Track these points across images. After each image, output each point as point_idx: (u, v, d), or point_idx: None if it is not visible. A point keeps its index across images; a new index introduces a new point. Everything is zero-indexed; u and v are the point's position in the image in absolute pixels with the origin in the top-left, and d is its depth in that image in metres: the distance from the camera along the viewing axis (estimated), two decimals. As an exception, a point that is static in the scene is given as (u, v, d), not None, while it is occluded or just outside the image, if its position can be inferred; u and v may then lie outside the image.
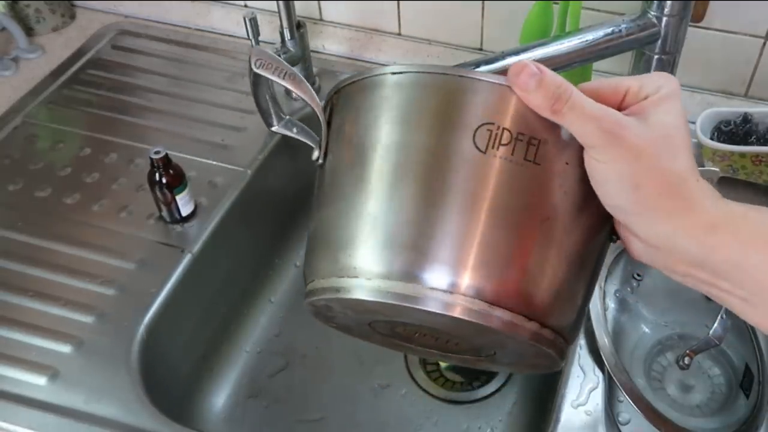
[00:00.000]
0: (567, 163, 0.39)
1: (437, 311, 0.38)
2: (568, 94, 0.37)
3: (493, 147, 0.39)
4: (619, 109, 0.40)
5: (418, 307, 0.38)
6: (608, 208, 0.40)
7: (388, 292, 0.38)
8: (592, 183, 0.39)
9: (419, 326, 0.44)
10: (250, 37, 0.91)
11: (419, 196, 0.39)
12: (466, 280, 0.38)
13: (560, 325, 0.41)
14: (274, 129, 0.50)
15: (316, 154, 0.45)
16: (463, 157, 0.39)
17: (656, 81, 0.40)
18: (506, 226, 0.38)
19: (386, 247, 0.39)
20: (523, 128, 0.39)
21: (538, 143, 0.39)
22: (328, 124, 0.45)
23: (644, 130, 0.38)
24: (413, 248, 0.38)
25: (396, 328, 0.46)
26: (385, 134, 0.41)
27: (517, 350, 0.43)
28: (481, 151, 0.39)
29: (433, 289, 0.38)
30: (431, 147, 0.39)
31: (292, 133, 0.49)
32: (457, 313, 0.38)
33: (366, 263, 0.39)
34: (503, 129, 0.39)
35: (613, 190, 0.38)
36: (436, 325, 0.41)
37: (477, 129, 0.39)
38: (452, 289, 0.38)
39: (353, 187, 0.41)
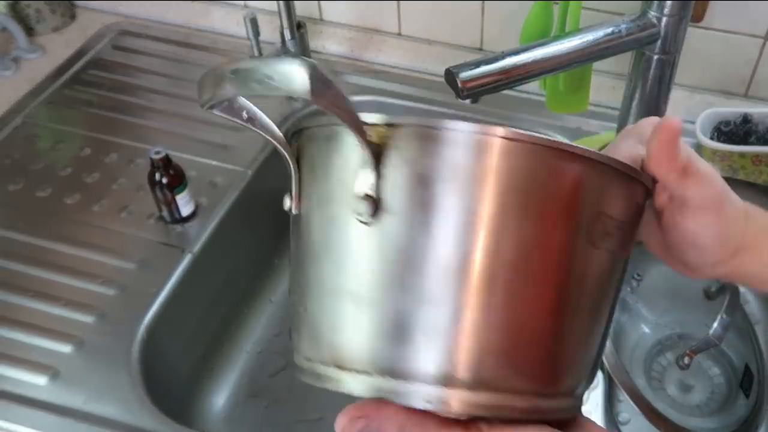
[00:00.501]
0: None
1: (433, 409, 0.33)
2: (688, 153, 0.37)
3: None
4: None
5: (411, 405, 0.33)
6: (676, 262, 0.42)
7: (380, 389, 0.34)
8: (674, 242, 0.40)
9: None
10: (250, 37, 0.91)
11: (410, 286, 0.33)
12: (467, 371, 0.33)
13: (576, 386, 0.37)
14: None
15: (287, 203, 0.39)
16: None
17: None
18: (510, 306, 0.33)
19: (377, 339, 0.34)
20: None
21: None
22: (298, 163, 0.38)
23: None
24: (408, 340, 0.33)
25: None
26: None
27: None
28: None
29: (432, 385, 0.33)
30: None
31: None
32: (455, 410, 0.33)
33: (353, 355, 0.34)
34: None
35: (700, 250, 0.39)
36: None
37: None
38: (449, 384, 0.33)
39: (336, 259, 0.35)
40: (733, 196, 0.38)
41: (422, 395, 0.33)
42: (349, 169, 0.34)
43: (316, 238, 0.37)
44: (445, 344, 0.33)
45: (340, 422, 0.35)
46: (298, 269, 0.39)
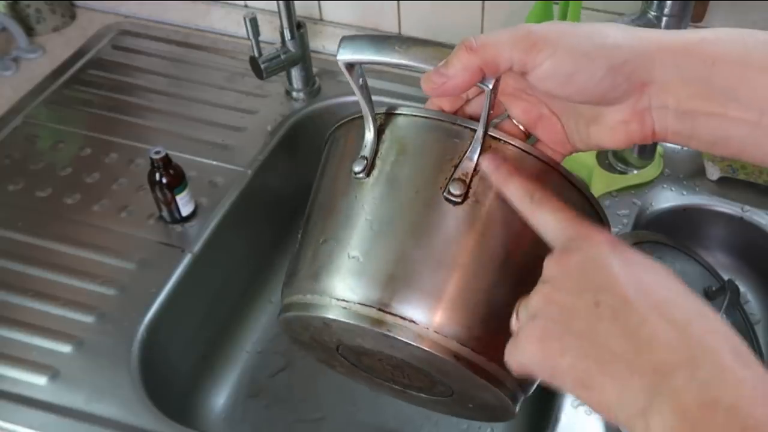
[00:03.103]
0: (497, 198, 0.41)
1: (408, 341, 0.39)
2: (470, 42, 0.37)
3: (469, 195, 0.40)
4: None
5: (390, 334, 0.39)
6: (580, 105, 0.40)
7: (364, 316, 0.40)
8: (556, 94, 0.39)
9: (386, 357, 0.44)
10: (250, 37, 0.91)
11: (407, 235, 0.40)
12: (440, 317, 0.39)
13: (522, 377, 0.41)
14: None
15: (358, 167, 0.43)
16: (440, 204, 0.40)
17: None
18: (482, 274, 0.40)
19: (369, 277, 0.40)
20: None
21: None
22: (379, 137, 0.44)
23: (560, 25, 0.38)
24: (395, 281, 0.40)
25: (361, 357, 0.47)
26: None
27: (476, 394, 0.44)
28: (456, 197, 0.40)
29: (408, 320, 0.39)
30: (418, 189, 0.41)
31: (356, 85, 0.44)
32: (426, 345, 0.39)
33: (346, 289, 0.41)
34: (472, 174, 0.40)
35: (568, 83, 0.38)
36: (404, 357, 0.42)
37: (452, 174, 0.41)
38: (426, 324, 0.39)
39: (351, 214, 0.42)
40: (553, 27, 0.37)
41: (400, 326, 0.39)
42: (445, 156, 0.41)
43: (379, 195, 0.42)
44: (430, 296, 0.40)
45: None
46: (321, 216, 0.44)
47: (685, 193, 0.90)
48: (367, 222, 0.41)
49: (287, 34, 0.96)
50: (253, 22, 0.90)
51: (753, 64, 0.37)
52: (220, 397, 0.90)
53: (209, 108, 1.02)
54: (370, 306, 0.39)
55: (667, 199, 0.90)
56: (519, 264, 0.41)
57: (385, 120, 0.43)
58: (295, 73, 1.00)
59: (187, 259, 0.84)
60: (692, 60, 0.37)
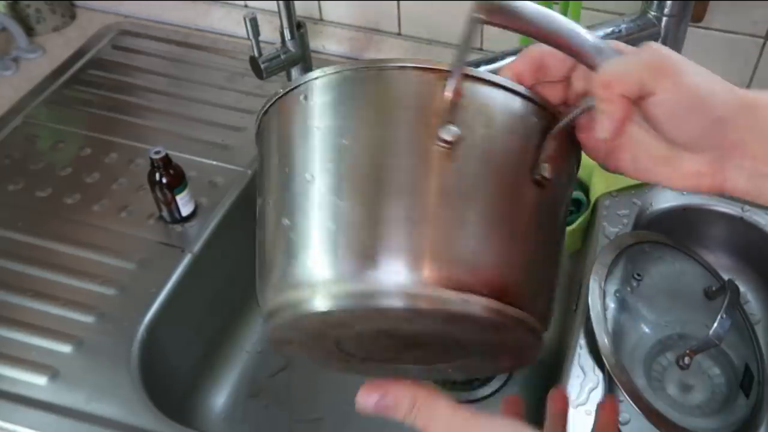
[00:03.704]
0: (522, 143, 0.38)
1: (407, 305, 0.35)
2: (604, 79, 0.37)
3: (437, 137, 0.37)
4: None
5: (379, 303, 0.35)
6: (670, 146, 0.39)
7: (348, 295, 0.35)
8: (659, 128, 0.38)
9: (386, 334, 0.40)
10: (250, 37, 0.91)
11: (367, 193, 0.36)
12: (430, 269, 0.35)
13: (534, 309, 0.39)
14: None
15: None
16: (414, 149, 0.37)
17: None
18: (467, 212, 0.37)
19: (339, 251, 0.36)
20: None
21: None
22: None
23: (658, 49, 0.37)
24: (367, 247, 0.35)
25: (364, 344, 0.42)
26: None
27: (494, 342, 0.41)
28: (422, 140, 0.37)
29: (396, 283, 0.35)
30: (380, 139, 0.37)
31: None
32: (426, 304, 0.35)
33: (321, 272, 0.36)
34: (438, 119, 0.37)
35: (680, 123, 0.37)
36: (403, 326, 0.38)
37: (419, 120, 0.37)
38: (419, 281, 0.35)
39: (299, 195, 0.38)
40: (689, 77, 0.36)
41: (392, 294, 0.35)
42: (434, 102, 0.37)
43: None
44: (415, 243, 0.35)
45: (359, 400, 0.39)
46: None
47: (685, 193, 0.90)
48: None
49: (287, 34, 0.96)
50: (253, 22, 0.90)
51: None
52: (220, 397, 0.90)
53: (209, 108, 1.02)
54: (355, 282, 0.35)
55: (667, 199, 0.90)
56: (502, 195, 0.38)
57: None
58: (295, 73, 1.00)
59: (187, 259, 0.84)
60: None
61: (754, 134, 0.37)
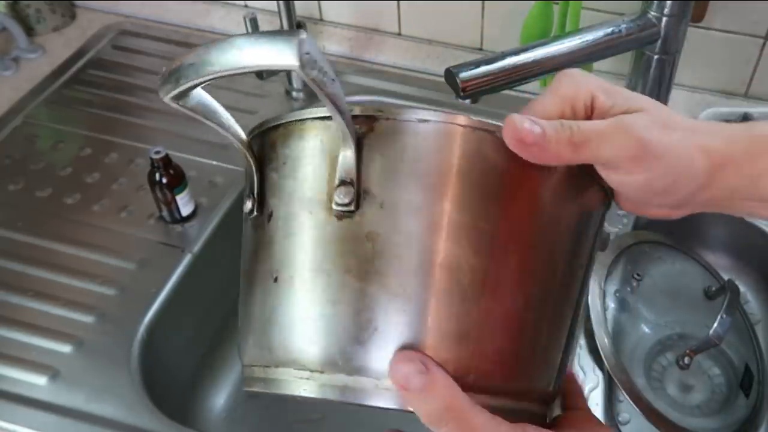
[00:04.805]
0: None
1: (395, 407, 0.33)
2: (574, 130, 0.35)
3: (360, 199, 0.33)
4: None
5: (369, 404, 0.33)
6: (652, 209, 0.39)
7: (334, 387, 0.33)
8: (623, 199, 0.39)
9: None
10: (250, 37, 0.91)
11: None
12: (374, 362, 0.32)
13: (539, 389, 0.36)
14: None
15: (248, 205, 0.37)
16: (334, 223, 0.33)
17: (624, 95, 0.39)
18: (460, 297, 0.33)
19: (329, 336, 0.33)
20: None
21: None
22: (260, 165, 0.37)
23: (642, 118, 0.36)
24: (358, 334, 0.32)
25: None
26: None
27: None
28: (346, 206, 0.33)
29: (384, 380, 0.32)
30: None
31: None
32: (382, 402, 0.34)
33: (307, 355, 0.33)
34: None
35: (647, 194, 0.37)
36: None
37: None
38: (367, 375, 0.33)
39: (293, 258, 0.34)
40: (645, 134, 0.35)
41: (385, 393, 0.33)
42: (329, 159, 0.34)
43: (285, 235, 0.35)
44: (412, 339, 0.32)
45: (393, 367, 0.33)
46: (251, 273, 0.38)
47: (685, 193, 0.90)
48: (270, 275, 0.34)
49: (287, 34, 0.96)
50: (253, 22, 0.90)
51: None
52: (220, 397, 0.90)
53: (209, 108, 1.02)
54: (342, 374, 0.33)
55: (667, 199, 0.90)
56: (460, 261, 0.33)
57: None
58: (295, 73, 1.00)
59: (187, 259, 0.84)
60: (740, 172, 0.37)
61: (721, 181, 0.37)
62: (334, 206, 0.33)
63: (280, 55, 0.29)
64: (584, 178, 0.37)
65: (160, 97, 0.34)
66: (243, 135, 0.37)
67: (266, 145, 0.37)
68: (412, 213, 0.33)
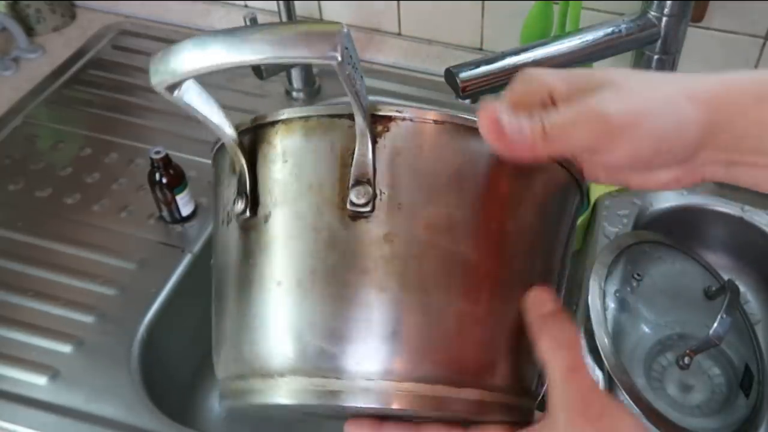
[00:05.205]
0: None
1: (374, 405, 0.32)
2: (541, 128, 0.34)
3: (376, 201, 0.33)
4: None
5: (347, 404, 0.33)
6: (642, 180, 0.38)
7: (312, 391, 0.33)
8: (623, 176, 0.38)
9: (353, 410, 0.36)
10: (250, 37, 0.91)
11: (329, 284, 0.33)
12: (400, 363, 0.32)
13: (517, 383, 0.36)
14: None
15: (240, 205, 0.36)
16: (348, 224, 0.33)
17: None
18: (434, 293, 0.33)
19: (304, 342, 0.33)
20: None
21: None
22: (252, 163, 0.36)
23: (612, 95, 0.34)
24: (335, 337, 0.32)
25: (326, 414, 0.40)
26: None
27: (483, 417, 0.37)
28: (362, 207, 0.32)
29: (365, 379, 0.32)
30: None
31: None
32: (396, 404, 0.32)
33: (323, 361, 0.33)
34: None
35: (639, 163, 0.36)
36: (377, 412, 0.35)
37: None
38: (387, 377, 0.32)
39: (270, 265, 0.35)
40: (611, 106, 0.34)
41: (362, 392, 0.32)
42: (340, 158, 0.33)
43: (288, 237, 0.34)
44: (386, 338, 0.32)
45: None
46: (223, 282, 0.38)
47: (685, 193, 0.90)
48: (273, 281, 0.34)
49: (287, 34, 0.96)
50: (253, 22, 0.90)
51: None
52: (220, 397, 0.90)
53: (209, 108, 1.02)
54: (320, 377, 0.32)
55: (667, 199, 0.90)
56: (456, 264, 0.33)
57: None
58: (295, 73, 1.00)
59: (187, 259, 0.84)
60: (745, 118, 0.36)
61: (724, 130, 0.36)
62: (348, 206, 0.32)
63: (320, 49, 0.29)
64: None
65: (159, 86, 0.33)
66: (232, 130, 0.36)
67: (261, 142, 0.36)
68: (432, 214, 0.32)
